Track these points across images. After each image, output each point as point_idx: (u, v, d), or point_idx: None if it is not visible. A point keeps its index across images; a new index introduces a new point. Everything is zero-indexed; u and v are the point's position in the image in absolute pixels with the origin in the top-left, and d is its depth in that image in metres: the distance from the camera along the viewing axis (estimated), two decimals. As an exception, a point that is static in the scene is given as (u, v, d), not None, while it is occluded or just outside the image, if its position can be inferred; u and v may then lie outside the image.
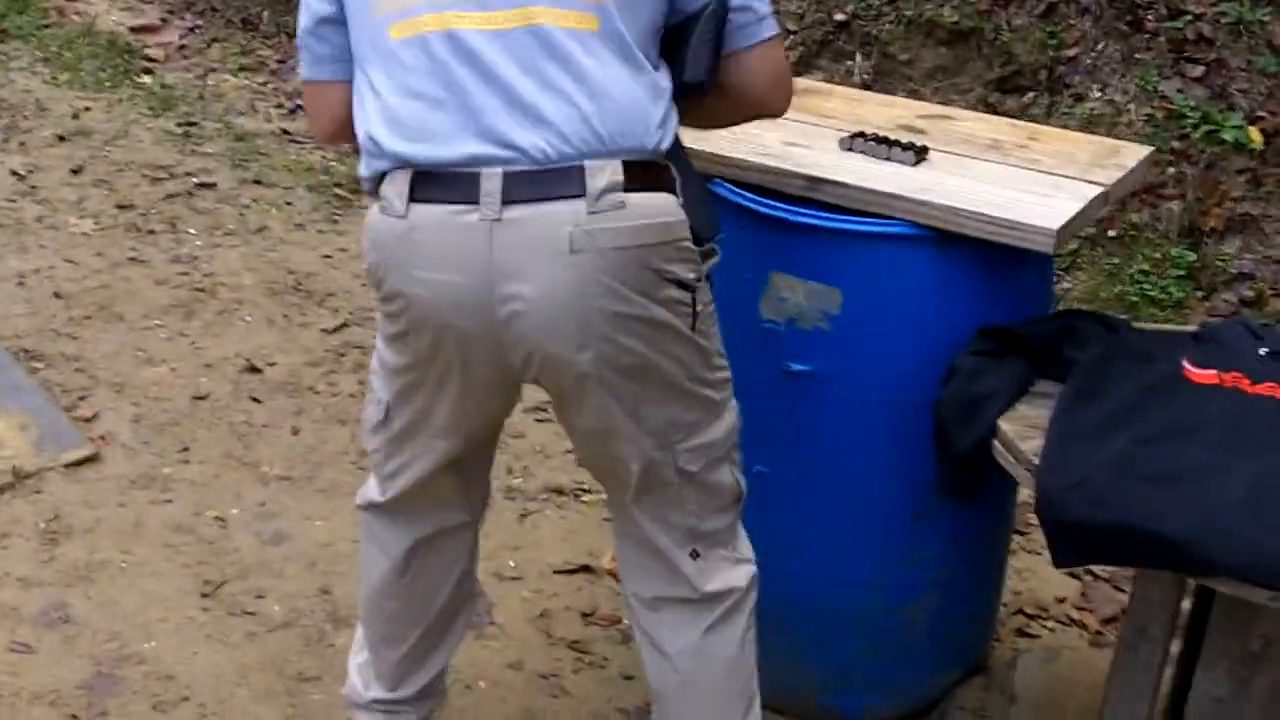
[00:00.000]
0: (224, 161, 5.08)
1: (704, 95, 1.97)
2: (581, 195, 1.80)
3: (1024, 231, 2.20)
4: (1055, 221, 2.20)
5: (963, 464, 2.20)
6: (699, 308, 1.94)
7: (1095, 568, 2.93)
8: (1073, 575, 2.95)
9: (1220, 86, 4.19)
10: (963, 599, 2.56)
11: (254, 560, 2.99)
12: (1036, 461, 2.01)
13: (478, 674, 2.68)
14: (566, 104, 1.80)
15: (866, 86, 4.72)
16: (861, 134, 2.48)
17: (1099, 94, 4.36)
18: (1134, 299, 3.88)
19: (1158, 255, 4.00)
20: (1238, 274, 3.90)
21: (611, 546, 2.42)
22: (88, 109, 5.51)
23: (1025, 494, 2.27)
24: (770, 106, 2.10)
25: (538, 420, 3.43)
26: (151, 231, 4.49)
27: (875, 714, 2.57)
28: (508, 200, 1.80)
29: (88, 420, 3.46)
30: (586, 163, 1.80)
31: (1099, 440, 2.01)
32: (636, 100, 1.84)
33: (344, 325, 3.97)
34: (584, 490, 3.23)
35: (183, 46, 6.29)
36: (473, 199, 1.80)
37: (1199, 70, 4.25)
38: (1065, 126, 4.23)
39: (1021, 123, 2.87)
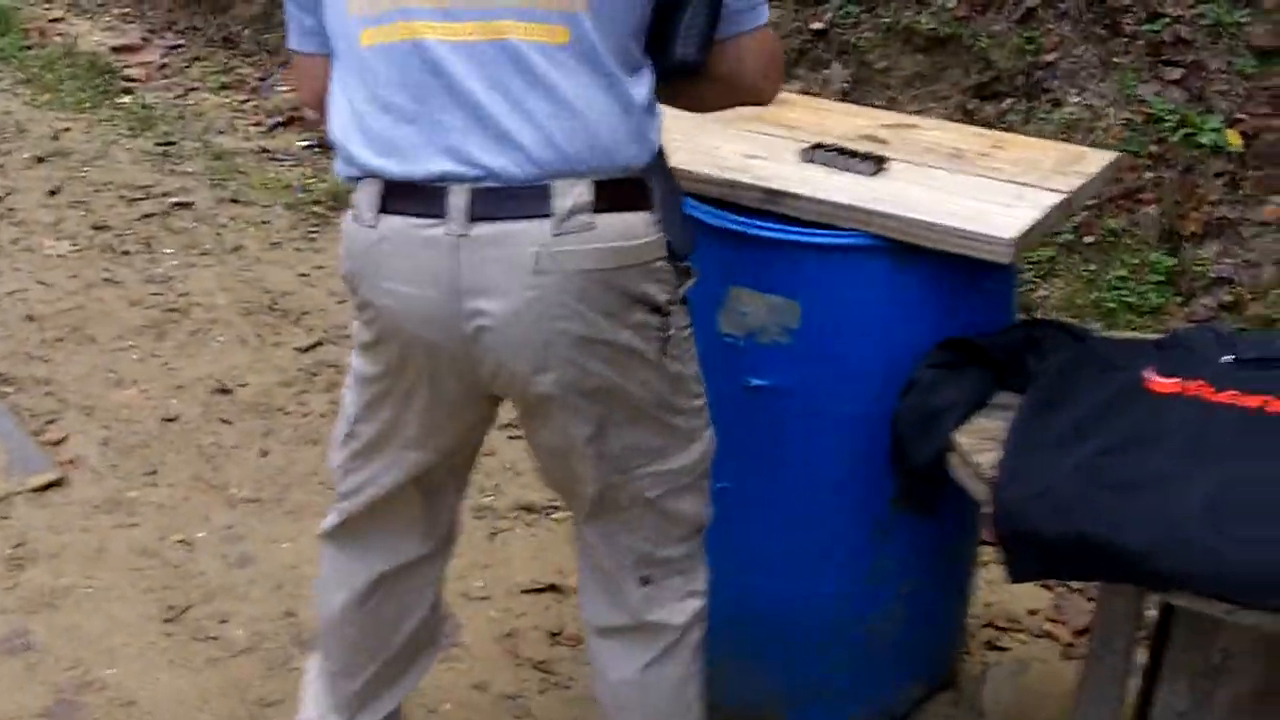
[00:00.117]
0: (202, 180, 5.07)
1: (694, 75, 1.92)
2: (548, 215, 1.77)
3: (980, 241, 2.16)
4: (1012, 231, 2.17)
5: (921, 478, 2.17)
6: (671, 332, 1.91)
7: (1070, 579, 2.90)
8: (1045, 586, 2.92)
9: (1199, 89, 4.16)
10: (929, 612, 2.52)
11: (219, 584, 2.96)
12: (992, 474, 1.98)
13: (442, 697, 2.65)
14: (532, 125, 1.76)
15: (845, 95, 4.70)
16: (821, 145, 2.46)
17: (1077, 99, 4.33)
18: (1112, 305, 3.84)
19: (1136, 261, 3.96)
20: (1216, 278, 3.86)
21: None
22: (67, 130, 5.50)
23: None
24: (762, 94, 2.06)
25: (510, 438, 3.40)
26: (126, 252, 4.48)
27: (842, 729, 2.54)
28: (475, 217, 1.77)
29: (56, 444, 3.44)
30: (554, 182, 1.77)
31: (1060, 450, 1.98)
32: (607, 117, 1.80)
33: (318, 344, 3.94)
34: (555, 508, 3.20)
35: (164, 66, 6.29)
36: (440, 213, 1.78)
37: (1177, 73, 4.22)
38: (1043, 132, 4.21)
39: (986, 131, 2.84)
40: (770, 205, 2.30)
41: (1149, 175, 4.06)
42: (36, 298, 4.13)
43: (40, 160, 5.17)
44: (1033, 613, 2.89)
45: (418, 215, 1.79)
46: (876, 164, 2.38)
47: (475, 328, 1.81)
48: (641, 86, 1.85)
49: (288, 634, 2.81)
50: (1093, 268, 4.00)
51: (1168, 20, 4.26)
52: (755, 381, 2.31)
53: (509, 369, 1.84)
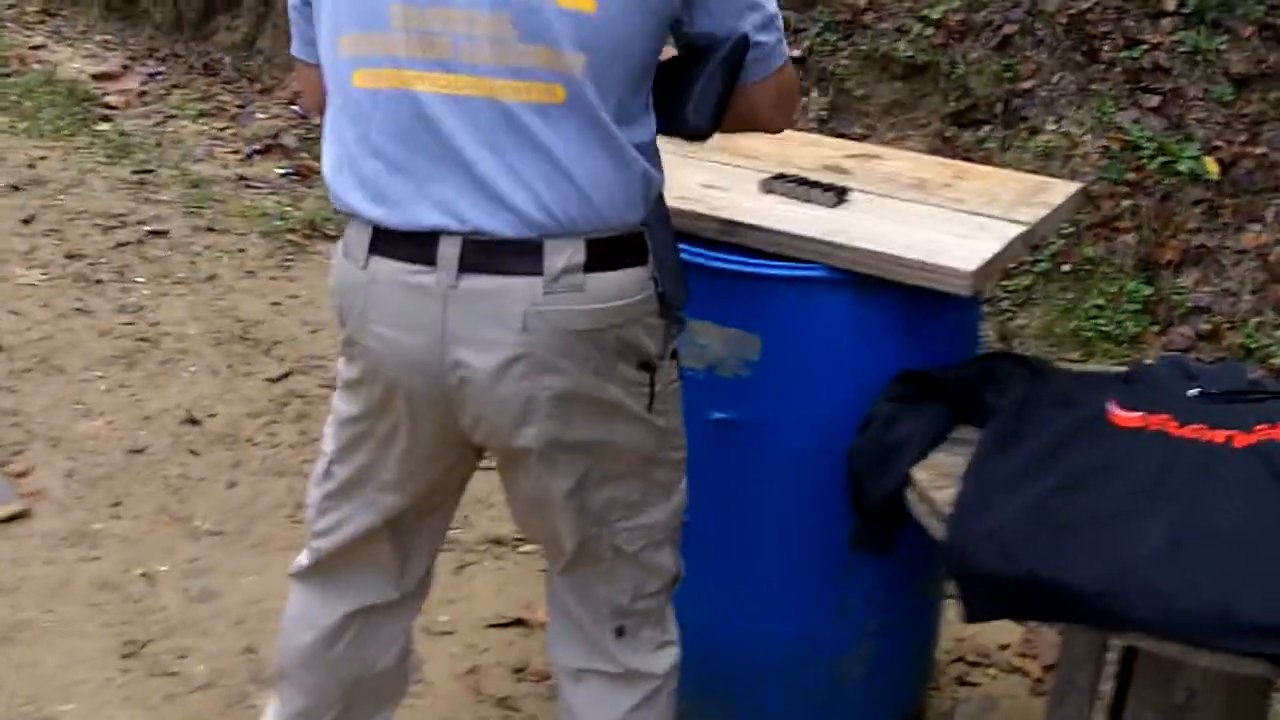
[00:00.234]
0: (177, 208, 5.04)
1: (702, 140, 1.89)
2: (539, 274, 1.74)
3: (939, 274, 2.13)
4: (972, 263, 2.14)
5: (876, 516, 2.14)
6: (658, 387, 1.88)
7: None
8: (1017, 621, 2.87)
9: (1177, 116, 4.14)
10: (897, 649, 2.49)
11: (180, 618, 2.92)
12: (950, 511, 1.94)
13: (402, 735, 2.61)
14: (525, 188, 1.72)
15: (823, 122, 4.69)
16: (782, 175, 2.43)
17: (1054, 126, 4.31)
18: (1089, 334, 3.82)
19: (1114, 289, 3.94)
20: (1194, 307, 3.84)
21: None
22: (44, 158, 5.47)
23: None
24: (774, 125, 2.02)
25: (480, 469, 3.35)
26: (99, 281, 4.44)
27: (810, 767, 2.50)
28: (466, 267, 1.74)
29: (21, 476, 3.40)
30: (546, 242, 1.74)
31: (1015, 488, 1.95)
32: (601, 177, 1.75)
33: (288, 374, 3.91)
34: (523, 540, 3.16)
35: (143, 93, 6.27)
36: (431, 261, 1.75)
37: (1155, 100, 4.21)
38: (1020, 159, 4.19)
39: (950, 161, 2.81)
40: (728, 236, 2.27)
41: (1126, 203, 4.05)
42: (6, 328, 4.09)
43: (15, 189, 5.14)
44: (1004, 647, 2.85)
45: (409, 260, 1.77)
46: (838, 195, 2.36)
47: (459, 378, 1.78)
48: (642, 133, 1.81)
49: (247, 671, 2.76)
50: (1070, 296, 3.98)
51: (1146, 47, 4.25)
52: (716, 415, 2.28)
53: (490, 421, 1.81)
